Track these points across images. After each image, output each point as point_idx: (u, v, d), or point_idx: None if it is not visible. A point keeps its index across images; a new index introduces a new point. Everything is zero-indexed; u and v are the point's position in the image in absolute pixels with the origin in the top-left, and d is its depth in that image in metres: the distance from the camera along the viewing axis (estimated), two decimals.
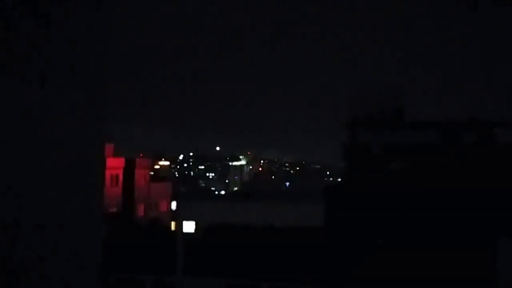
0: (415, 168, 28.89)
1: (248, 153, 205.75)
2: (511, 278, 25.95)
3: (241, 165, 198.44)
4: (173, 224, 54.84)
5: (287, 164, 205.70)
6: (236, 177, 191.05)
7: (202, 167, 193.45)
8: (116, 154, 54.31)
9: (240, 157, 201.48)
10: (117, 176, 53.07)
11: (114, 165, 51.87)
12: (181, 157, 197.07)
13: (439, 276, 27.30)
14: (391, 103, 30.38)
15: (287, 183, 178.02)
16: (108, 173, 50.07)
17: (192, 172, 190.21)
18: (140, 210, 55.88)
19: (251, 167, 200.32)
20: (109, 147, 50.78)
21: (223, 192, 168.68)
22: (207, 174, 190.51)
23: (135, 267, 30.57)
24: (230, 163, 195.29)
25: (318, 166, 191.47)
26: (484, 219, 27.53)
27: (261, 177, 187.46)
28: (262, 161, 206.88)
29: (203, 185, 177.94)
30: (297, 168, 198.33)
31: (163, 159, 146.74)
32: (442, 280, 27.06)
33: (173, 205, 63.25)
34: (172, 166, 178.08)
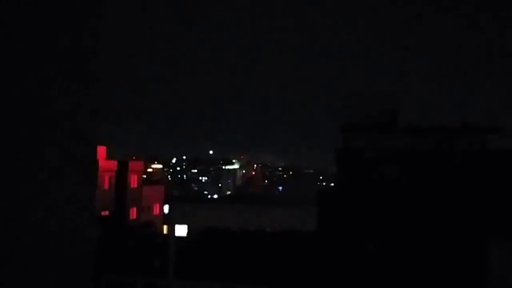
0: (408, 173, 28.95)
1: (242, 157, 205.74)
2: (501, 281, 26.04)
3: (234, 169, 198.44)
4: (165, 227, 54.79)
5: (280, 169, 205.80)
6: (229, 181, 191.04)
7: (195, 170, 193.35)
8: (108, 157, 54.20)
9: (233, 161, 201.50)
10: (109, 178, 52.96)
11: (107, 167, 51.77)
12: (174, 160, 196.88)
13: (431, 280, 27.36)
14: (385, 108, 30.46)
15: (280, 188, 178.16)
16: (100, 176, 49.94)
17: (185, 176, 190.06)
18: (133, 213, 55.78)
19: (244, 171, 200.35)
20: (101, 149, 50.67)
21: (216, 196, 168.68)
22: (200, 178, 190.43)
23: (126, 270, 30.50)
24: (223, 167, 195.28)
25: (311, 171, 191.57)
26: (476, 224, 27.61)
27: (254, 181, 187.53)
28: (255, 165, 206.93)
29: (196, 188, 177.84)
30: (290, 172, 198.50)
31: (156, 162, 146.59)
32: (434, 283, 27.13)
33: (166, 208, 63.19)
34: (165, 169, 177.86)
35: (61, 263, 2.44)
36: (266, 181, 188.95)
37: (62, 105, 2.39)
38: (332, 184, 56.00)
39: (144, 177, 65.33)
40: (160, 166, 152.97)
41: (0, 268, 2.16)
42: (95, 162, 2.66)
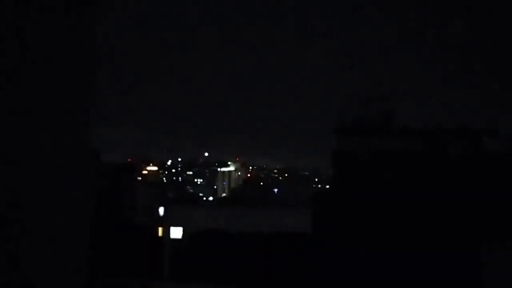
0: (403, 175, 28.98)
1: (237, 159, 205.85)
2: (495, 285, 26.07)
3: (230, 171, 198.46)
4: (160, 229, 54.66)
5: (275, 171, 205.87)
6: (224, 183, 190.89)
7: (191, 172, 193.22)
8: (104, 158, 54.09)
9: (229, 163, 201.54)
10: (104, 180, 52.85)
11: (102, 169, 51.66)
12: (169, 162, 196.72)
13: (425, 283, 27.37)
14: (380, 110, 30.50)
15: (276, 190, 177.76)
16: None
17: (180, 178, 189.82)
18: (128, 215, 55.64)
19: (239, 173, 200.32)
20: (96, 151, 50.57)
21: (211, 198, 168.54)
22: (196, 180, 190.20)
23: (122, 273, 30.44)
24: (219, 169, 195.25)
25: (307, 173, 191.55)
26: (471, 227, 27.65)
27: (249, 183, 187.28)
28: (250, 167, 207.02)
29: (191, 191, 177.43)
30: (286, 174, 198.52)
31: (151, 164, 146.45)
32: (428, 287, 27.14)
33: (161, 210, 63.04)
34: (160, 171, 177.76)
35: (57, 265, 2.42)
36: (261, 183, 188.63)
37: (60, 106, 2.38)
38: (328, 186, 56.00)
39: (139, 179, 65.27)
40: (155, 168, 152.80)
41: None
42: (92, 164, 2.64)
